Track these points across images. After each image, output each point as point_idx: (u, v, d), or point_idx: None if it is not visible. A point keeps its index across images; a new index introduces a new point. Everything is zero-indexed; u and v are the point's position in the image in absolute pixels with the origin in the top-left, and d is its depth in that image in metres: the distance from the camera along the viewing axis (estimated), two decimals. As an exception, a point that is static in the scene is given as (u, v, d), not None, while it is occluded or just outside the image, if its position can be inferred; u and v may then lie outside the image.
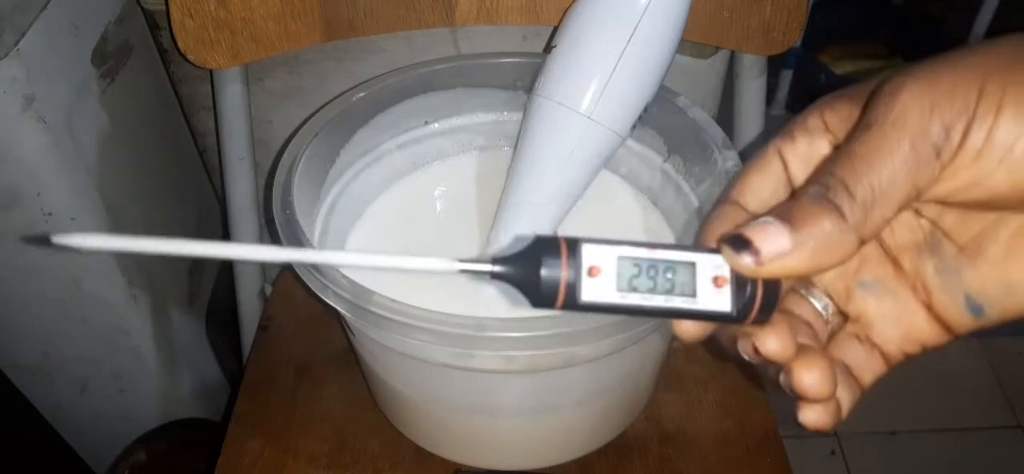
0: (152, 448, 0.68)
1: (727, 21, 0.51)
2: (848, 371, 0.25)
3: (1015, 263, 0.22)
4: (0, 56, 0.46)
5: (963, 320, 0.24)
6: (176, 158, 0.71)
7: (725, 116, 0.57)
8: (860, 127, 0.21)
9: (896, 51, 1.62)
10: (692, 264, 0.22)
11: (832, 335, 0.26)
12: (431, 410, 0.47)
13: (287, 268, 0.61)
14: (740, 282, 0.22)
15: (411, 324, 0.35)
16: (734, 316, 0.22)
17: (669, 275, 0.22)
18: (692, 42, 0.54)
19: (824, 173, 0.21)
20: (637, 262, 0.22)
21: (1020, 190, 0.20)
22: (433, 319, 0.35)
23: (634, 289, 0.22)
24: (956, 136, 0.20)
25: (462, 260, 0.22)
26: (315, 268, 0.37)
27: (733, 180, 0.25)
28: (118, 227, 0.58)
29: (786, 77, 1.57)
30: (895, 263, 0.25)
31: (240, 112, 0.55)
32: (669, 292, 0.22)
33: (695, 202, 0.48)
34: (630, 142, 0.51)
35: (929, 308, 0.24)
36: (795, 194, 0.24)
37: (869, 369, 0.25)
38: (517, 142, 0.47)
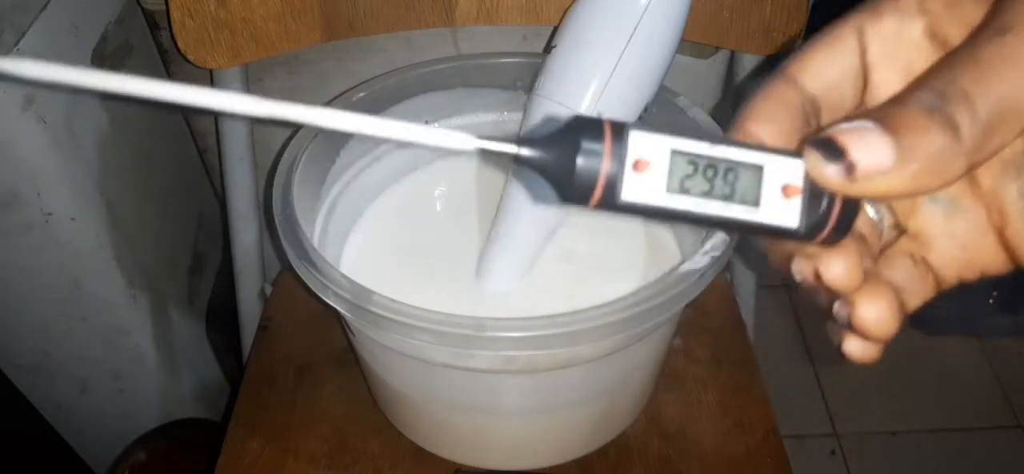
0: (152, 448, 0.68)
1: (727, 21, 0.51)
2: (897, 290, 0.21)
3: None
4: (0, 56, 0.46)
5: None
6: (176, 158, 0.71)
7: (725, 116, 0.57)
8: (991, 29, 0.18)
9: (896, 51, 1.62)
10: (759, 168, 0.19)
11: (886, 247, 0.22)
12: (431, 410, 0.47)
13: (287, 268, 0.61)
14: (815, 193, 0.19)
15: (411, 324, 0.35)
16: (801, 233, 0.19)
17: (730, 178, 0.19)
18: (692, 42, 0.54)
19: (940, 77, 0.18)
20: (693, 159, 0.18)
21: None
22: (433, 319, 0.35)
23: (686, 191, 0.19)
24: None
25: (484, 137, 0.18)
26: (315, 267, 0.37)
27: (793, 54, 0.22)
28: (118, 227, 0.58)
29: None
30: (972, 178, 0.21)
31: (240, 112, 0.55)
32: (727, 198, 0.19)
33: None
34: (630, 142, 0.51)
35: (1001, 234, 0.21)
36: (902, 95, 0.18)
37: (918, 293, 0.22)
38: (517, 142, 0.47)
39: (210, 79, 0.55)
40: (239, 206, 0.58)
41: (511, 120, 0.55)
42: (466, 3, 0.52)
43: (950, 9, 0.20)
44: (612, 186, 0.18)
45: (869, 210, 0.22)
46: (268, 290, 0.63)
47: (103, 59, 0.57)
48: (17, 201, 0.51)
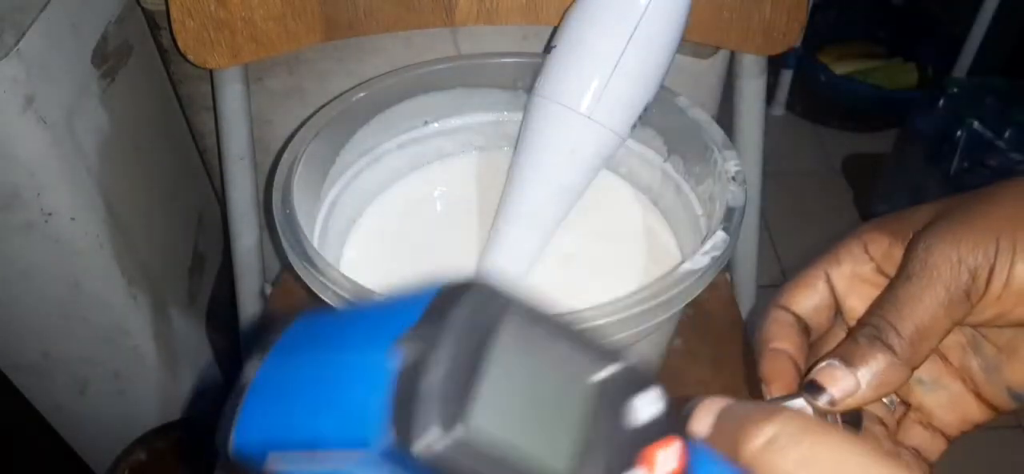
0: (152, 448, 0.68)
1: (727, 21, 0.51)
2: (917, 452, 0.29)
3: None
4: (0, 56, 0.46)
5: (1008, 404, 0.28)
6: (176, 158, 0.71)
7: (725, 116, 0.57)
8: (901, 277, 0.26)
9: (896, 51, 1.62)
10: None
11: (899, 422, 0.30)
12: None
13: (287, 268, 0.61)
14: (818, 412, 0.25)
15: (411, 324, 0.35)
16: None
17: None
18: (692, 42, 0.54)
19: (874, 316, 0.26)
20: None
21: None
22: (433, 319, 0.34)
23: None
24: (981, 281, 0.24)
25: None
26: (315, 267, 0.37)
27: (783, 289, 0.30)
28: (118, 227, 0.58)
29: (786, 77, 1.57)
30: (945, 360, 0.29)
31: (240, 112, 0.55)
32: None
33: (695, 202, 0.48)
34: (630, 142, 0.51)
35: (978, 396, 0.29)
36: (851, 332, 0.27)
37: (934, 449, 0.29)
38: (517, 142, 0.47)
39: (210, 79, 0.55)
40: (239, 206, 0.58)
41: (511, 120, 0.55)
42: (466, 3, 0.52)
43: (886, 254, 0.28)
44: None
45: (883, 399, 0.29)
46: (268, 290, 0.63)
47: (103, 59, 0.57)
48: (17, 201, 0.51)
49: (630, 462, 0.16)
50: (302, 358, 0.18)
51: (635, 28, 0.41)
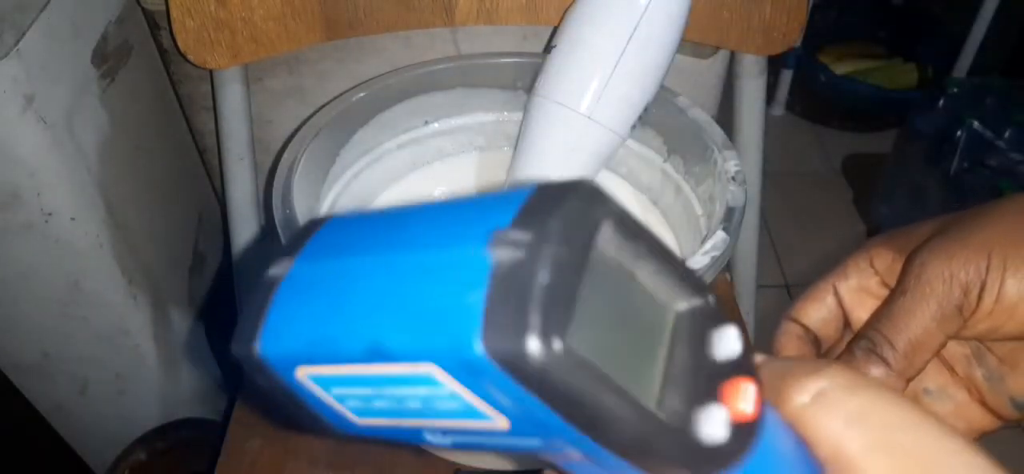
0: (152, 448, 0.68)
1: (727, 21, 0.51)
2: None
3: None
4: (0, 56, 0.46)
5: (1012, 414, 0.29)
6: (176, 158, 0.71)
7: (725, 116, 0.57)
8: (897, 292, 0.27)
9: (896, 51, 1.62)
10: None
11: None
12: (431, 410, 0.47)
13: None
14: None
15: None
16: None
17: None
18: (692, 42, 0.54)
19: (871, 329, 0.27)
20: None
21: None
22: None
23: None
24: (973, 297, 0.25)
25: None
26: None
27: (794, 303, 0.31)
28: (118, 227, 0.58)
29: (786, 77, 1.57)
30: (951, 371, 0.30)
31: (240, 112, 0.55)
32: None
33: (695, 202, 0.48)
34: (630, 142, 0.51)
35: (983, 405, 0.29)
36: (849, 345, 0.28)
37: None
38: (517, 142, 0.47)
39: (210, 79, 0.55)
40: (239, 206, 0.58)
41: (511, 120, 0.55)
42: (466, 3, 0.52)
43: (890, 268, 0.28)
44: None
45: None
46: (268, 290, 0.63)
47: (103, 59, 0.57)
48: (17, 201, 0.51)
49: (709, 395, 0.15)
50: (344, 259, 0.16)
51: (635, 28, 0.41)
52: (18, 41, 0.47)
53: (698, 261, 0.37)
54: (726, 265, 0.44)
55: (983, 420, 0.29)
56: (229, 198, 0.58)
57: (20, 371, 0.63)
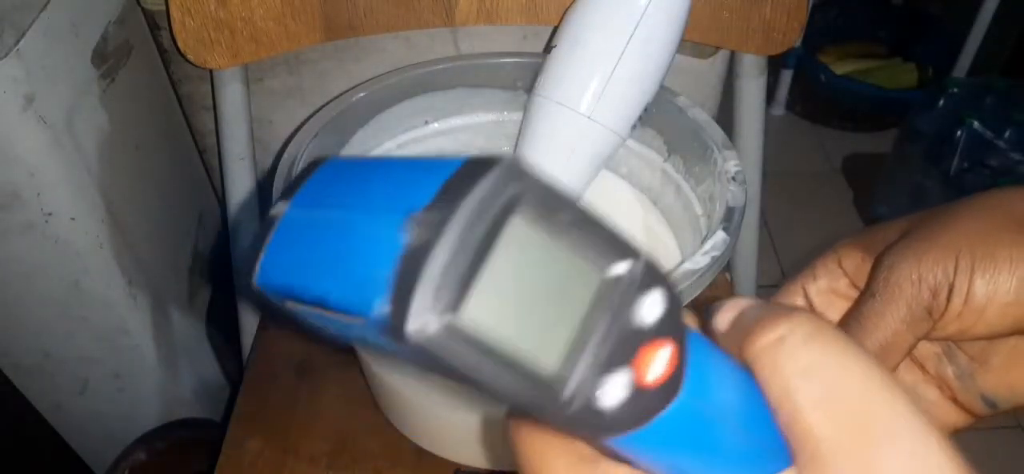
0: (152, 448, 0.68)
1: (727, 21, 0.51)
2: None
3: (1014, 371, 0.27)
4: (0, 56, 0.46)
5: (982, 410, 0.28)
6: (176, 158, 0.71)
7: (725, 116, 0.57)
8: (866, 294, 0.26)
9: (896, 51, 1.62)
10: None
11: None
12: (431, 410, 0.47)
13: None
14: None
15: (411, 324, 0.35)
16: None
17: None
18: (692, 42, 0.54)
19: (844, 328, 0.26)
20: None
21: (998, 333, 0.25)
22: (433, 319, 0.34)
23: None
24: (942, 299, 0.25)
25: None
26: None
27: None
28: (118, 227, 0.58)
29: (786, 77, 1.57)
30: (922, 369, 0.30)
31: (240, 112, 0.55)
32: None
33: (696, 202, 0.48)
34: (630, 142, 0.51)
35: (955, 401, 0.29)
36: None
37: None
38: (517, 142, 0.47)
39: (210, 79, 0.55)
40: (239, 206, 0.58)
41: (511, 120, 0.55)
42: (466, 3, 0.52)
43: (858, 269, 0.28)
44: None
45: None
46: (268, 290, 0.63)
47: (103, 59, 0.57)
48: (17, 201, 0.51)
49: (622, 360, 0.16)
50: (321, 210, 0.18)
51: (635, 28, 0.41)
52: (18, 41, 0.47)
53: (698, 261, 0.37)
54: (726, 265, 0.44)
55: (955, 417, 0.29)
56: (229, 198, 0.58)
57: (20, 371, 0.63)
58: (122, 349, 0.63)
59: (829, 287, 0.29)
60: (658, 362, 0.16)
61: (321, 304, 0.16)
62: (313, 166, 0.19)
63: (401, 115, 0.52)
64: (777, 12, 0.50)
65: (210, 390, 0.75)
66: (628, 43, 0.41)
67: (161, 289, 0.65)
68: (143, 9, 0.59)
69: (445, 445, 0.49)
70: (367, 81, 0.50)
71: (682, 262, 0.38)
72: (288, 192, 0.19)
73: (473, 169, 0.15)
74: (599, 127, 0.43)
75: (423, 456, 0.50)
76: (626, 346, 0.16)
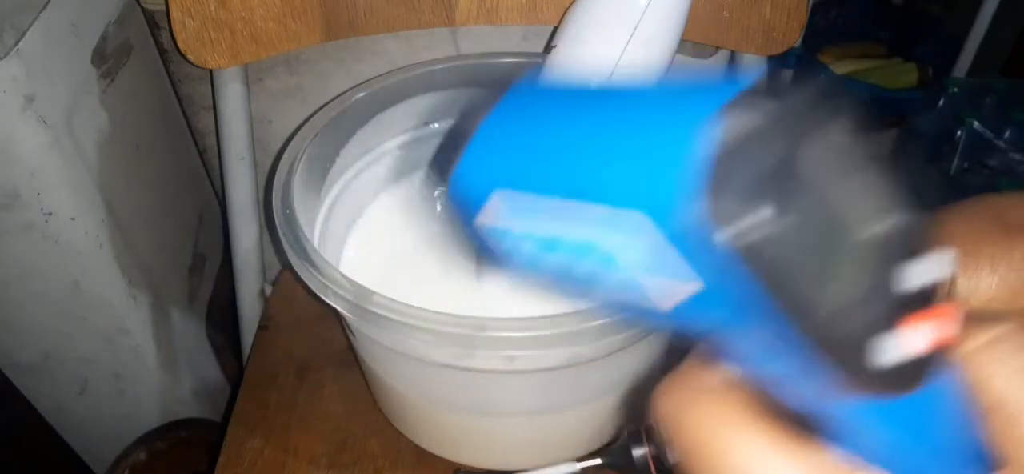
0: (152, 448, 0.68)
1: (727, 21, 0.51)
2: None
3: None
4: (0, 56, 0.46)
5: None
6: (176, 158, 0.71)
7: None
8: None
9: (896, 51, 1.62)
10: None
11: None
12: (431, 410, 0.47)
13: (287, 268, 0.61)
14: None
15: (411, 324, 0.35)
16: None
17: None
18: (692, 42, 0.54)
19: None
20: None
21: None
22: (433, 319, 0.35)
23: None
24: None
25: None
26: (315, 267, 0.37)
27: None
28: (118, 227, 0.58)
29: (786, 77, 1.57)
30: None
31: (240, 112, 0.55)
32: None
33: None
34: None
35: None
36: None
37: None
38: (517, 142, 0.47)
39: (210, 79, 0.55)
40: (239, 206, 0.58)
41: (511, 120, 0.55)
42: (466, 3, 0.52)
43: None
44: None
45: None
46: (268, 290, 0.63)
47: (103, 59, 0.57)
48: (17, 201, 0.51)
49: (894, 318, 0.15)
50: (562, 107, 0.16)
51: (635, 28, 0.41)
52: (18, 41, 0.47)
53: (698, 261, 0.37)
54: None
55: None
56: (229, 198, 0.58)
57: (20, 371, 0.63)
58: (122, 349, 0.63)
59: None
60: (937, 330, 0.15)
61: (577, 194, 0.14)
62: (506, 82, 0.17)
63: (401, 115, 0.52)
64: (777, 12, 0.50)
65: (210, 390, 0.75)
66: (628, 43, 0.41)
67: (161, 289, 0.65)
68: (143, 9, 0.59)
69: (445, 445, 0.49)
70: (367, 81, 0.50)
71: (682, 262, 0.38)
72: (478, 108, 0.17)
73: (784, 80, 0.14)
74: (599, 127, 0.43)
75: (423, 456, 0.50)
76: (913, 301, 0.15)
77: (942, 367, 0.16)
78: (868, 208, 0.15)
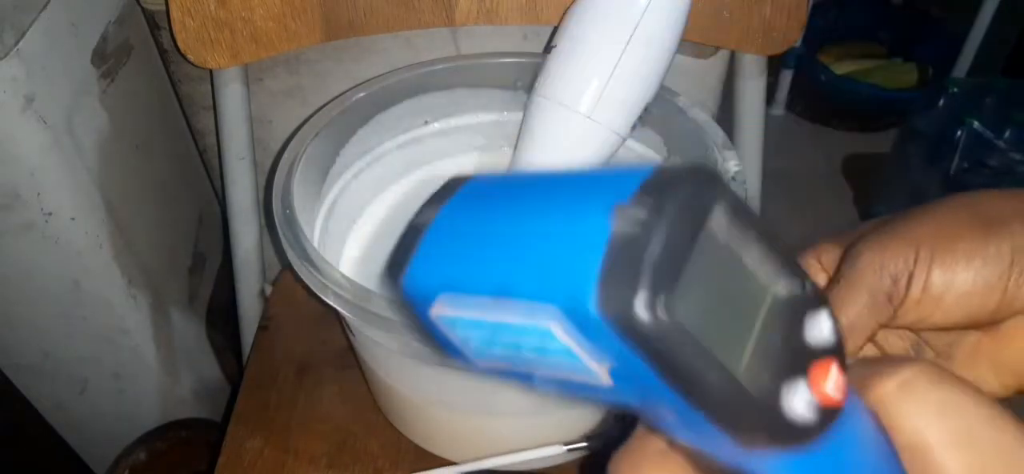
0: (152, 448, 0.68)
1: (727, 21, 0.51)
2: None
3: (977, 367, 0.28)
4: (0, 56, 0.46)
5: None
6: (176, 158, 0.71)
7: (725, 116, 0.57)
8: (832, 280, 0.28)
9: (896, 51, 1.62)
10: None
11: None
12: (431, 410, 0.47)
13: (287, 268, 0.61)
14: None
15: (411, 324, 0.35)
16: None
17: None
18: (692, 42, 0.54)
19: None
20: None
21: (957, 323, 0.26)
22: (433, 319, 0.34)
23: None
24: (901, 286, 0.26)
25: None
26: (315, 267, 0.37)
27: None
28: (118, 227, 0.58)
29: (786, 77, 1.57)
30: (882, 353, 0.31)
31: (240, 112, 0.55)
32: None
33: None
34: (630, 142, 0.51)
35: None
36: None
37: None
38: (517, 142, 0.47)
39: (210, 79, 0.55)
40: (239, 206, 0.58)
41: (511, 120, 0.55)
42: (466, 3, 0.52)
43: (835, 264, 0.29)
44: None
45: None
46: (268, 290, 0.63)
47: (103, 59, 0.57)
48: (17, 201, 0.51)
49: (797, 374, 0.16)
50: (493, 209, 0.18)
51: (635, 28, 0.41)
52: (18, 41, 0.47)
53: (698, 261, 0.37)
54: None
55: None
56: (229, 198, 0.58)
57: (20, 371, 0.63)
58: (122, 349, 0.63)
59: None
60: (832, 381, 0.17)
61: (498, 292, 0.16)
62: (456, 183, 0.20)
63: (401, 115, 0.52)
64: (777, 12, 0.50)
65: (210, 390, 0.75)
66: (628, 43, 0.41)
67: (161, 289, 0.65)
68: (143, 9, 0.59)
69: (445, 445, 0.49)
70: (367, 81, 0.50)
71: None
72: (432, 204, 0.19)
73: (672, 172, 0.16)
74: (599, 127, 0.43)
75: (423, 456, 0.50)
76: (802, 358, 0.17)
77: (854, 413, 0.18)
78: (763, 275, 0.17)
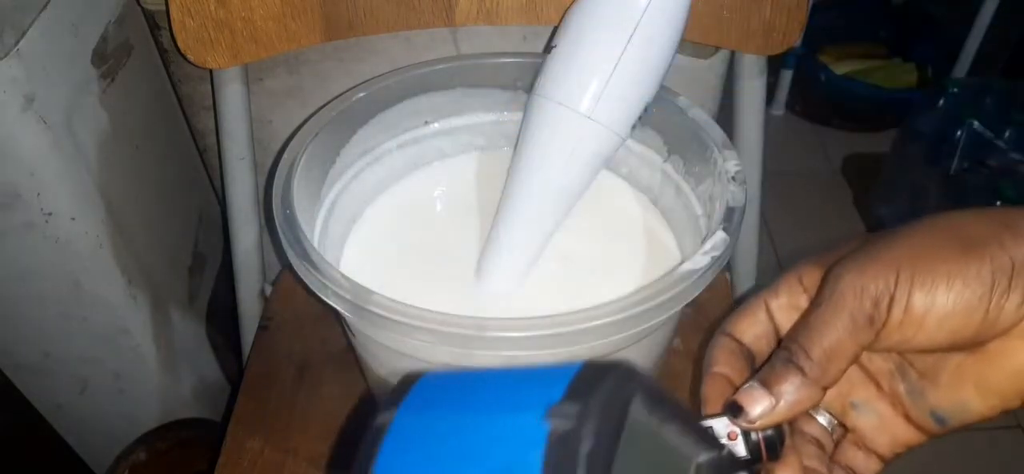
0: (152, 448, 0.68)
1: (727, 21, 0.51)
2: (851, 471, 0.31)
3: (962, 388, 0.28)
4: (0, 56, 0.46)
5: (933, 427, 0.30)
6: (176, 158, 0.71)
7: (725, 116, 0.57)
8: (813, 304, 0.28)
9: (896, 51, 1.62)
10: (710, 427, 0.27)
11: (838, 442, 0.32)
12: (431, 410, 0.47)
13: (287, 268, 0.61)
14: (746, 433, 0.27)
15: (411, 324, 0.35)
16: (749, 459, 0.27)
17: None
18: (692, 42, 0.54)
19: (789, 340, 0.28)
20: None
21: (938, 346, 0.26)
22: (433, 319, 0.35)
23: None
24: (883, 309, 0.26)
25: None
26: (315, 267, 0.37)
27: (729, 318, 0.32)
28: (118, 227, 0.58)
29: (786, 77, 1.57)
30: (877, 385, 0.31)
31: (240, 112, 0.55)
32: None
33: (695, 202, 0.48)
34: (630, 142, 0.51)
35: (907, 418, 0.30)
36: (771, 356, 0.29)
37: (869, 468, 0.31)
38: (517, 142, 0.47)
39: (210, 79, 0.55)
40: (239, 206, 0.58)
41: (511, 120, 0.55)
42: (466, 3, 0.52)
43: (816, 285, 0.29)
44: None
45: (821, 420, 0.32)
46: (268, 290, 0.63)
47: (103, 59, 0.57)
48: (17, 201, 0.51)
49: None
50: (442, 414, 0.20)
51: (635, 28, 0.41)
52: (18, 41, 0.47)
53: (698, 261, 0.37)
54: (726, 265, 0.44)
55: (907, 434, 0.31)
56: (229, 198, 0.58)
57: (20, 371, 0.63)
58: (122, 349, 0.63)
59: (789, 303, 0.31)
60: None
61: None
62: (410, 380, 0.22)
63: (401, 115, 0.52)
64: (777, 12, 0.50)
65: (210, 390, 0.75)
66: (628, 43, 0.41)
67: (161, 289, 0.65)
68: (143, 9, 0.59)
69: (445, 445, 0.49)
70: (367, 81, 0.50)
71: (682, 262, 0.38)
72: (389, 405, 0.21)
73: (595, 371, 0.18)
74: (599, 127, 0.43)
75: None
76: None
77: None
78: (685, 448, 0.20)
